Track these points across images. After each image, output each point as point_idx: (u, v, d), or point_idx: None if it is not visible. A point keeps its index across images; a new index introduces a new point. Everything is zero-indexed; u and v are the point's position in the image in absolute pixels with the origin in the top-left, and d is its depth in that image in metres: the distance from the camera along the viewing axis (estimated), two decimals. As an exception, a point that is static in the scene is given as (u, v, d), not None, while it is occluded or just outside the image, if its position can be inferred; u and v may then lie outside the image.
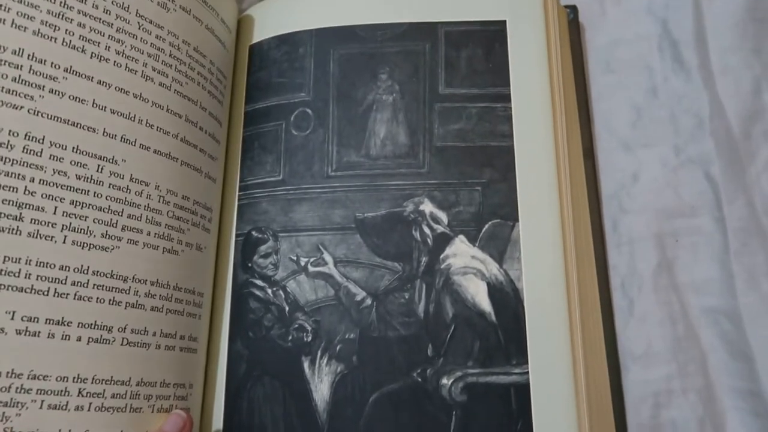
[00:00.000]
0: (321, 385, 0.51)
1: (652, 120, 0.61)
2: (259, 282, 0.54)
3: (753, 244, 0.56)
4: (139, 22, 0.49)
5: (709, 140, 0.59)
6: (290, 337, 0.53)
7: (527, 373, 0.50)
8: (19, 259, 0.42)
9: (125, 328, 0.46)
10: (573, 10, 0.63)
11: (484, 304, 0.52)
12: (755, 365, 0.53)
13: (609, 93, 0.62)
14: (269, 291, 0.54)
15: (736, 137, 0.59)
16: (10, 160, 0.42)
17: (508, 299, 0.51)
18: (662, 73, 0.62)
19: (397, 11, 0.59)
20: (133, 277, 0.46)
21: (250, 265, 0.55)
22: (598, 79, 0.63)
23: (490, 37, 0.58)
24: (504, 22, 0.58)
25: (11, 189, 0.42)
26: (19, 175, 0.43)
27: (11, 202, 0.42)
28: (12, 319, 0.41)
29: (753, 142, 0.59)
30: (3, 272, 0.41)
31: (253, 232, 0.56)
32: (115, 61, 0.48)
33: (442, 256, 0.53)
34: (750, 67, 0.60)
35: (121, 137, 0.47)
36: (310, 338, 0.52)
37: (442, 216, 0.54)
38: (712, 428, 0.53)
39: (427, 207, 0.54)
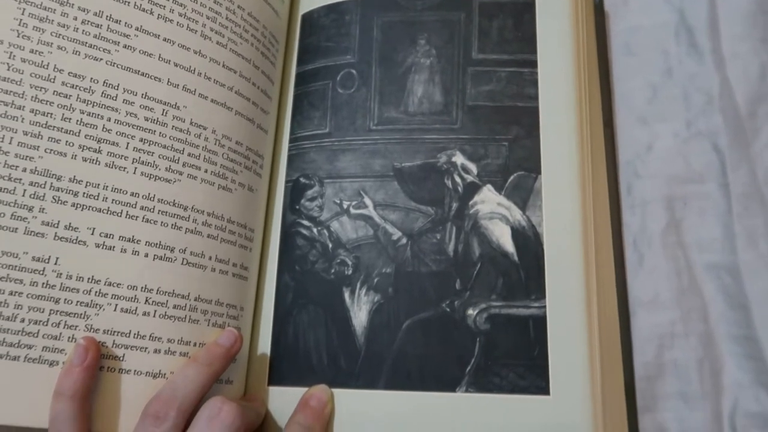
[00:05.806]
0: (360, 313, 0.54)
1: (667, 97, 0.63)
2: (305, 222, 0.58)
3: (753, 208, 0.58)
4: (199, -12, 0.55)
5: (717, 116, 0.61)
6: (333, 271, 0.56)
7: (545, 307, 0.52)
8: (98, 184, 0.48)
9: (185, 250, 0.51)
10: (599, -7, 0.66)
11: (508, 245, 0.54)
12: (751, 315, 0.56)
13: (628, 73, 0.65)
14: (314, 230, 0.57)
15: (742, 116, 0.61)
16: (91, 102, 0.49)
17: (529, 242, 0.54)
18: (677, 56, 0.64)
19: (435, -17, 0.61)
20: (192, 207, 0.51)
21: (297, 207, 0.59)
22: (619, 61, 0.65)
23: (520, 9, 0.59)
24: (534, -5, 0.59)
25: (92, 126, 0.48)
26: (98, 115, 0.49)
27: (92, 138, 0.48)
28: (92, 234, 0.47)
29: (758, 121, 0.61)
30: (85, 195, 0.47)
31: (301, 179, 0.59)
32: (177, 22, 0.53)
33: (471, 203, 0.56)
34: (758, 54, 0.62)
35: (183, 87, 0.52)
36: (350, 271, 0.56)
37: (472, 167, 0.56)
38: (710, 368, 0.55)
39: (459, 159, 0.57)
